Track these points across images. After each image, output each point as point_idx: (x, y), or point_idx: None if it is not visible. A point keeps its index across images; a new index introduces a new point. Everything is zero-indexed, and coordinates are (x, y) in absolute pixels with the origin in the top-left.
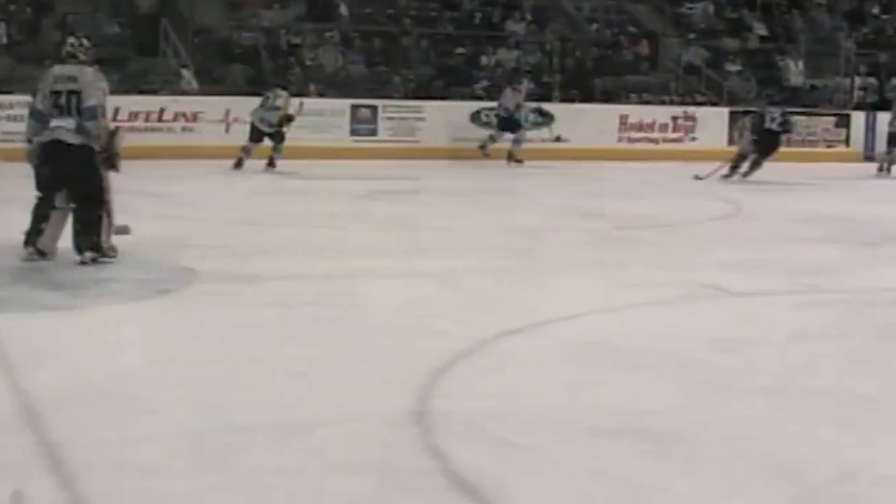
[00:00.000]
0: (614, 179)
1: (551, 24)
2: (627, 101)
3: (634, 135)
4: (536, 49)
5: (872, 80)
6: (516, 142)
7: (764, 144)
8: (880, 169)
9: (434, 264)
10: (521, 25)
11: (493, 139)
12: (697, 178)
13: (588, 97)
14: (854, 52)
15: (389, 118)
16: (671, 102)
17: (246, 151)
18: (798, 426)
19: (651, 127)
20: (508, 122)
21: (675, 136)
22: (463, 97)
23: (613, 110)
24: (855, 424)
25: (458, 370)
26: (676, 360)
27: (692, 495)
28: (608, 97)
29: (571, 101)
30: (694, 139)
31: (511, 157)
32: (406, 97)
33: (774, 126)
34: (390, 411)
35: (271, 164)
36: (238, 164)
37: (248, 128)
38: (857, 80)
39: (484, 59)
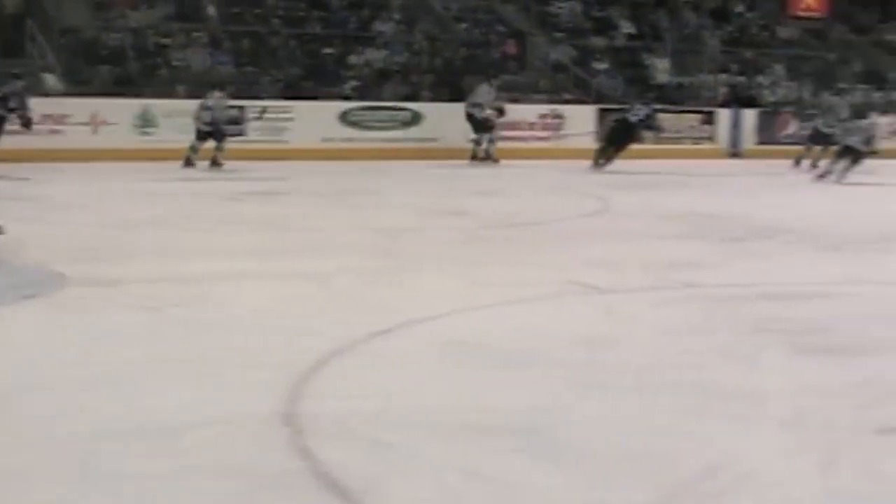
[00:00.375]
0: (483, 178)
1: (420, 24)
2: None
3: (503, 133)
4: (405, 49)
5: (740, 78)
6: (491, 141)
7: (618, 135)
8: (796, 163)
9: (303, 265)
10: (389, 25)
11: (478, 143)
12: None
13: (457, 96)
14: (719, 49)
15: (258, 118)
16: (539, 101)
17: (193, 150)
18: (665, 421)
19: (519, 125)
20: (483, 125)
21: (543, 134)
22: (332, 97)
23: None
24: (722, 418)
25: (329, 371)
26: (544, 357)
27: (561, 492)
28: None
29: (440, 100)
30: (562, 137)
31: (489, 157)
32: (275, 97)
33: (633, 119)
34: (260, 412)
35: (214, 163)
36: (188, 163)
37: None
38: (723, 78)
39: (353, 59)
